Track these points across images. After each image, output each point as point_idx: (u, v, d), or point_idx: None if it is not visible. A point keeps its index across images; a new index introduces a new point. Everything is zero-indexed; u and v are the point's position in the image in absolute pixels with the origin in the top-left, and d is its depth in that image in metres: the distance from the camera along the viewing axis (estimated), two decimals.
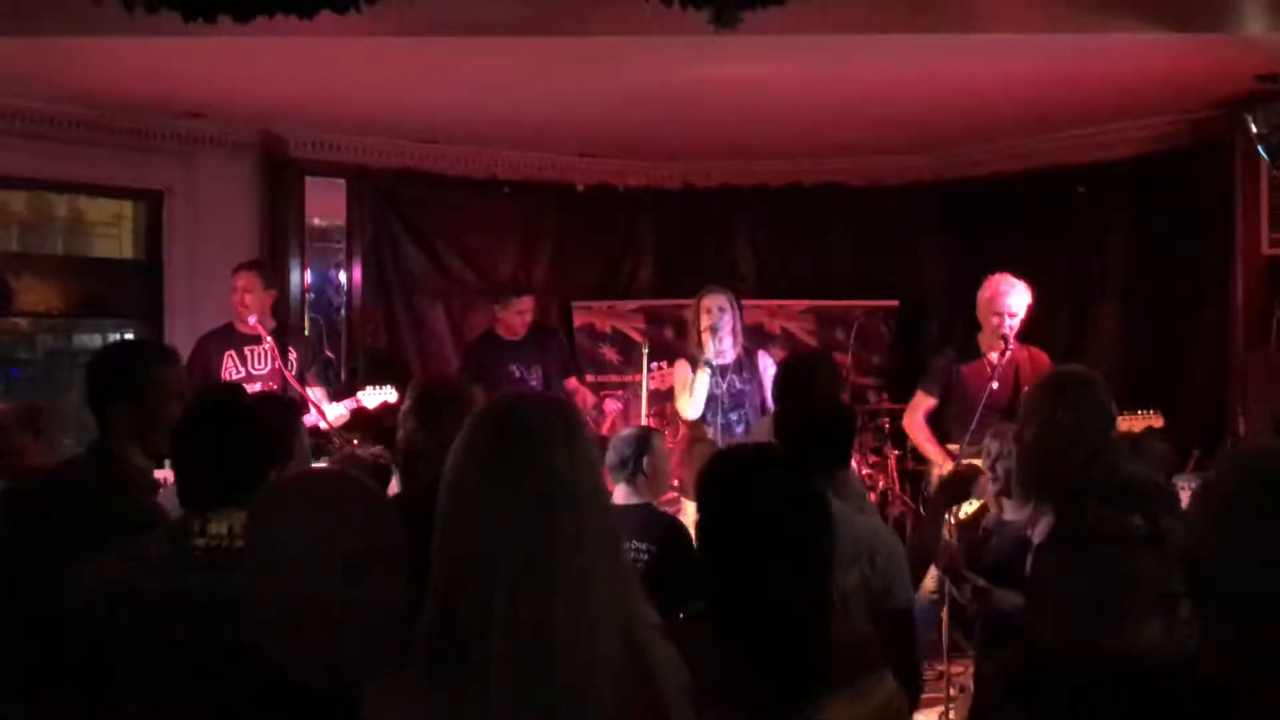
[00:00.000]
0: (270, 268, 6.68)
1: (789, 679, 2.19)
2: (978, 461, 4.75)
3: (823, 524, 2.32)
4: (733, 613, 2.24)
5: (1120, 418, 4.23)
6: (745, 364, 6.00)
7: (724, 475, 2.39)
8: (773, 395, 4.88)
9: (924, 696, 6.00)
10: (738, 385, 5.93)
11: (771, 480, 2.33)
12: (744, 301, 7.05)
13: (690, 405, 5.98)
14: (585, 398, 6.98)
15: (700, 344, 5.96)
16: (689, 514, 4.96)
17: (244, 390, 4.74)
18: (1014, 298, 5.85)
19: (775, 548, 2.23)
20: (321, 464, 5.87)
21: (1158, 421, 5.92)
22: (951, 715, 5.42)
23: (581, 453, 1.91)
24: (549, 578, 1.80)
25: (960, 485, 4.82)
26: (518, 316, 7.01)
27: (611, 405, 6.77)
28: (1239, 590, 1.70)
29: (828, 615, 2.31)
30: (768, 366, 5.94)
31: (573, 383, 7.10)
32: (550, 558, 1.81)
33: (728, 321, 5.95)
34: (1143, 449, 5.51)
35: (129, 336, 7.36)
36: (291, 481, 2.35)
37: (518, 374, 6.92)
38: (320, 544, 1.98)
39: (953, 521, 5.47)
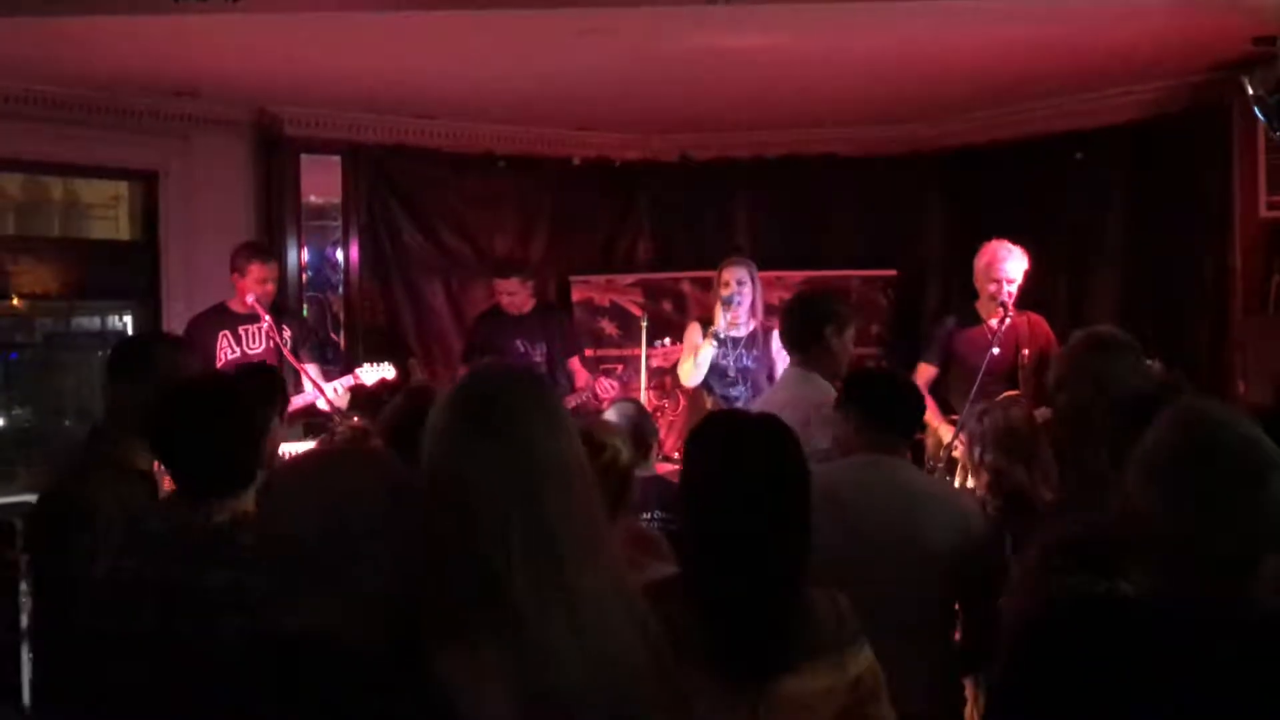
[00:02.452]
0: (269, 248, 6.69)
1: (757, 645, 2.20)
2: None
3: (804, 493, 2.34)
4: (708, 574, 2.25)
5: None
6: (758, 341, 5.94)
7: (713, 436, 2.41)
8: (783, 336, 4.84)
9: None
10: (745, 361, 5.89)
11: (759, 445, 2.34)
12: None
13: (691, 372, 5.96)
14: (586, 378, 6.99)
15: (714, 312, 5.93)
16: None
17: (219, 374, 4.75)
18: (1011, 264, 5.84)
19: (757, 513, 2.25)
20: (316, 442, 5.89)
21: (1155, 365, 5.91)
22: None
23: (559, 421, 1.94)
24: (553, 545, 1.81)
25: None
26: (506, 297, 7.04)
27: (605, 386, 6.73)
28: (1179, 544, 1.89)
29: (803, 584, 2.31)
30: (780, 349, 5.90)
31: (575, 362, 7.11)
32: (552, 527, 1.82)
33: (746, 294, 5.90)
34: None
35: (127, 319, 7.36)
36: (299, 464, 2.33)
37: (521, 349, 6.94)
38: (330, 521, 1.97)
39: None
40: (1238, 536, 1.88)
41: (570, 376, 7.03)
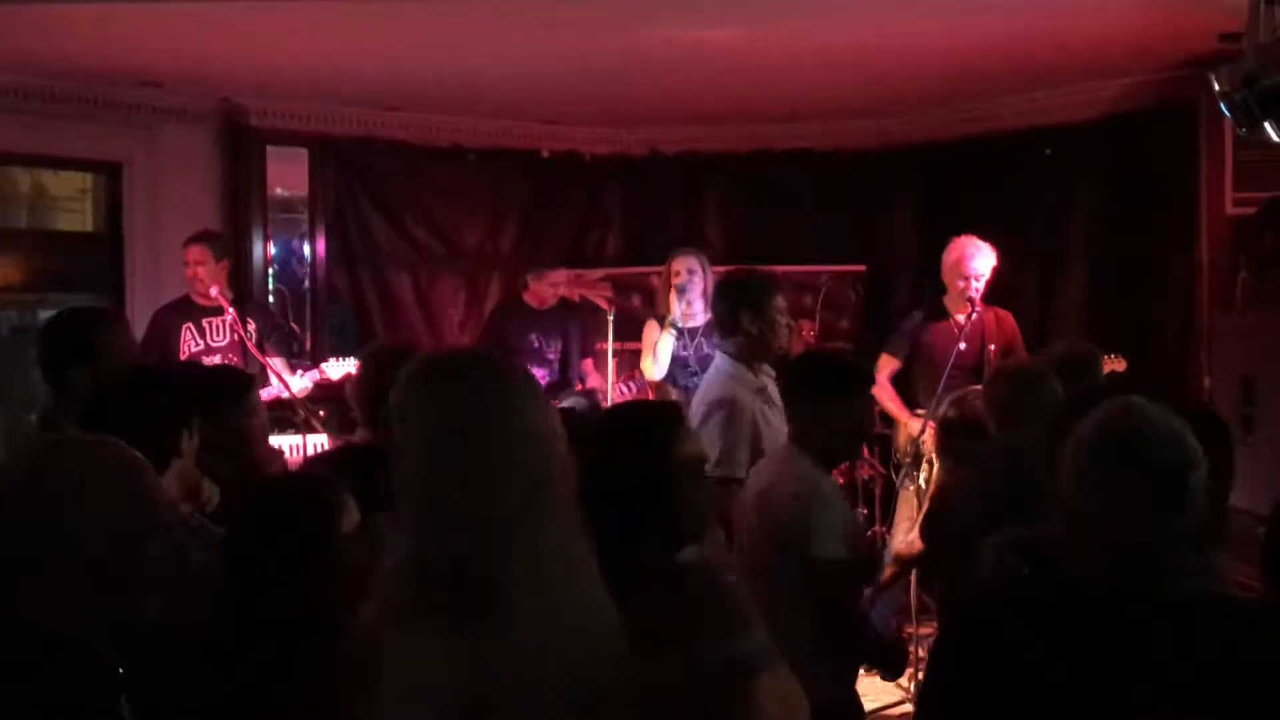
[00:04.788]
0: (221, 238, 6.54)
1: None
2: None
3: (698, 488, 2.38)
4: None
5: None
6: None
7: (616, 428, 2.49)
8: (715, 314, 4.82)
9: None
10: (705, 349, 5.89)
11: (660, 438, 2.38)
12: (711, 268, 6.99)
13: (654, 366, 5.98)
14: (595, 381, 6.98)
15: (668, 305, 5.94)
16: None
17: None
18: (980, 260, 5.87)
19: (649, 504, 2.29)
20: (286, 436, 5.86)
21: (1120, 365, 5.94)
22: (921, 678, 5.44)
23: (545, 401, 1.96)
24: (541, 522, 1.82)
25: None
26: (552, 289, 7.08)
27: (620, 390, 6.69)
28: (1103, 530, 1.99)
29: (689, 571, 2.32)
30: None
31: (589, 364, 7.12)
32: (539, 502, 1.83)
33: (697, 283, 5.93)
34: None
35: None
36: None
37: (536, 344, 6.95)
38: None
39: (921, 486, 5.49)
40: (1157, 531, 1.97)
41: (583, 377, 7.04)
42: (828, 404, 3.54)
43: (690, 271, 5.93)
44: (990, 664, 1.99)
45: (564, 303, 7.28)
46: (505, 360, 2.13)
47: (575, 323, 7.26)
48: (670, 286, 5.94)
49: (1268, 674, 1.89)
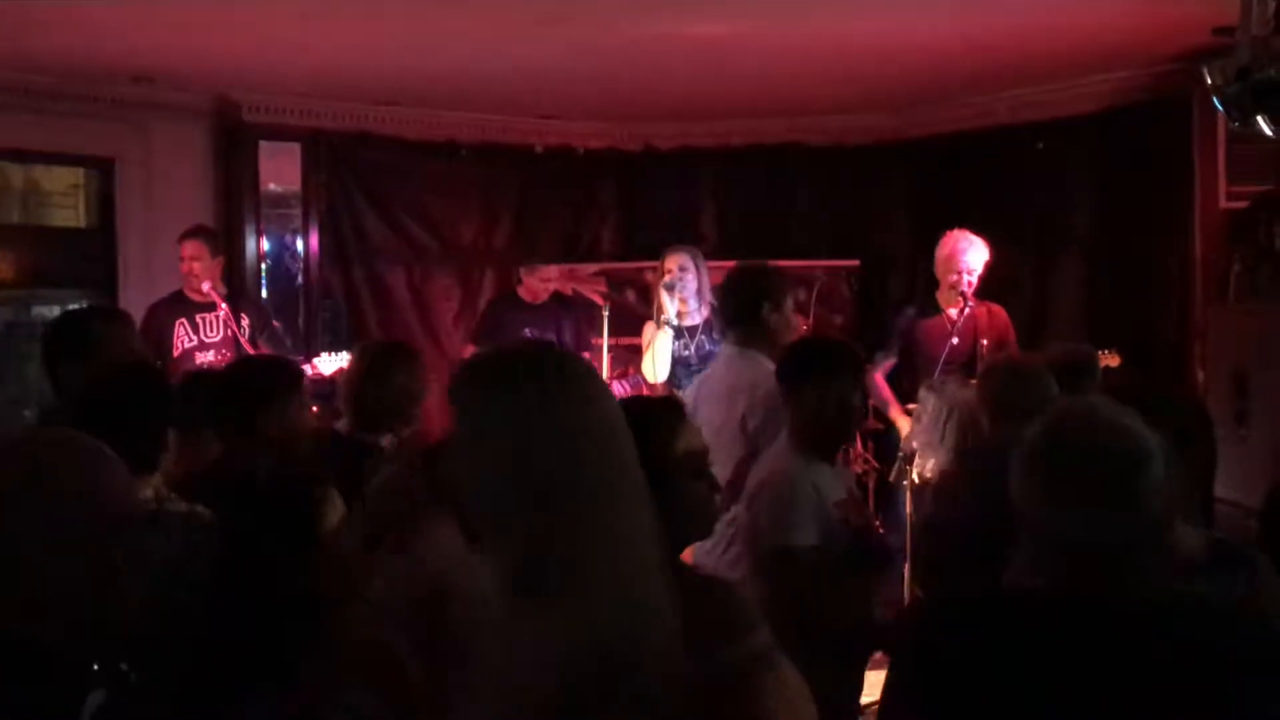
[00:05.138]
0: (216, 234, 6.56)
1: None
2: None
3: (699, 483, 2.40)
4: None
5: None
6: (714, 326, 5.90)
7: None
8: (720, 314, 4.79)
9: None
10: (706, 346, 5.85)
11: (659, 433, 2.37)
12: (705, 263, 6.95)
13: (653, 367, 5.93)
14: None
15: (660, 302, 5.91)
16: None
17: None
18: (972, 255, 5.87)
19: None
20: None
21: (1114, 360, 5.95)
22: None
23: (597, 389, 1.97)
24: (621, 504, 1.83)
25: None
26: (543, 284, 7.15)
27: (616, 389, 6.69)
28: (1054, 533, 1.93)
29: (689, 571, 2.33)
30: None
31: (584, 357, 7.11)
32: (620, 485, 1.84)
33: (690, 281, 5.87)
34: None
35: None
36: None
37: (531, 338, 6.95)
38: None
39: (915, 481, 5.48)
40: (1109, 530, 1.90)
41: None
42: (801, 390, 3.54)
43: (682, 269, 5.89)
44: (933, 685, 1.94)
45: (557, 297, 7.30)
46: (570, 352, 2.13)
47: (569, 317, 7.29)
48: (661, 284, 5.91)
49: (1227, 675, 1.84)
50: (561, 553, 1.79)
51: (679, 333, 5.86)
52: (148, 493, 2.61)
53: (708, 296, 5.92)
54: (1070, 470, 1.92)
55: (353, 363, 4.09)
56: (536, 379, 1.88)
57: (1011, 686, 1.87)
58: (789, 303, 4.51)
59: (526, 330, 6.98)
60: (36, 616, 1.84)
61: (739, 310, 4.51)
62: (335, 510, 2.36)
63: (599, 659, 1.76)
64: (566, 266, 8.30)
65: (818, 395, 3.51)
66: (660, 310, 5.85)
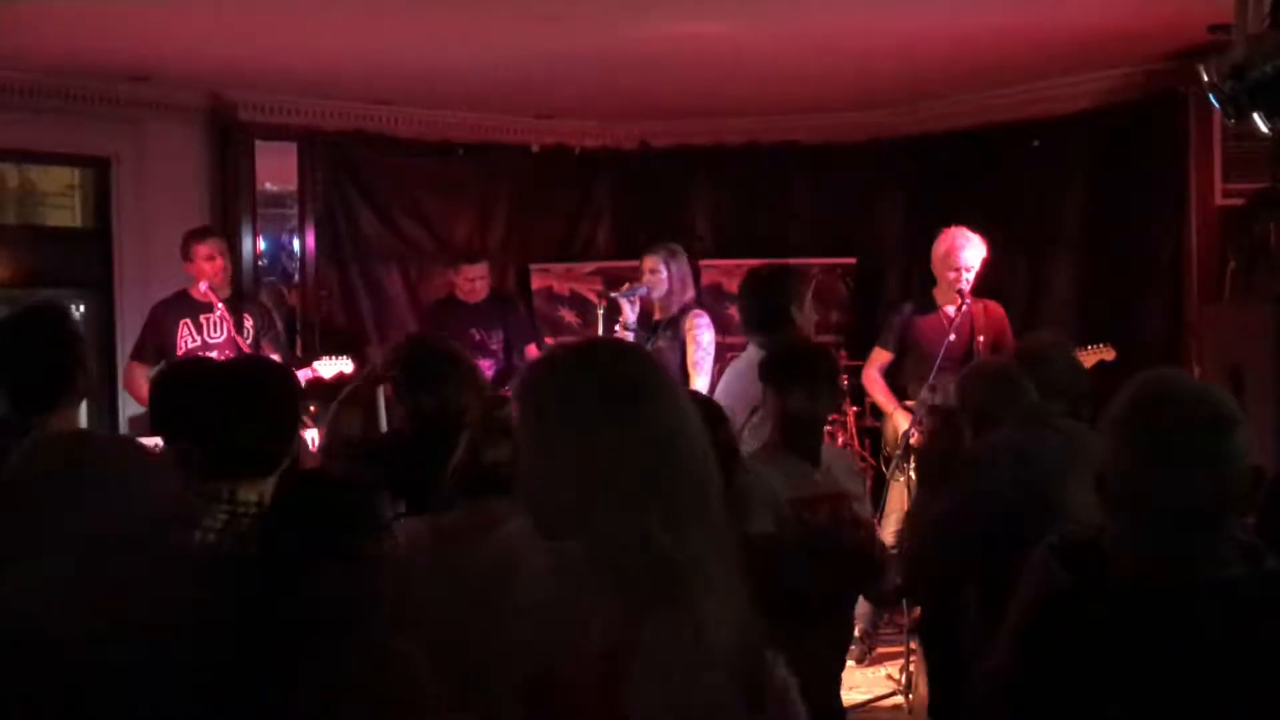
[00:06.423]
0: (223, 233, 6.61)
1: None
2: None
3: None
4: None
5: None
6: (673, 323, 5.83)
7: None
8: (744, 318, 4.80)
9: (884, 651, 6.08)
10: (659, 343, 5.82)
11: None
12: (702, 262, 6.97)
13: None
14: None
15: (624, 313, 5.93)
16: None
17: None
18: (969, 251, 5.88)
19: None
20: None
21: (1109, 354, 5.96)
22: (912, 667, 5.45)
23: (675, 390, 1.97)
24: (710, 499, 1.86)
25: None
26: (468, 283, 7.04)
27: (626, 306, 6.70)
28: (1133, 491, 1.96)
29: None
30: (695, 327, 5.71)
31: (533, 349, 7.08)
32: (706, 479, 1.86)
33: (659, 281, 5.86)
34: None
35: (81, 307, 7.26)
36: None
37: (478, 337, 6.93)
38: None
39: (911, 478, 5.49)
40: (1197, 490, 1.92)
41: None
42: (778, 391, 3.66)
43: (653, 271, 5.89)
44: (1063, 688, 1.97)
45: (495, 294, 7.27)
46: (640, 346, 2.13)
47: (512, 312, 7.29)
48: (619, 294, 5.94)
49: None
50: (659, 550, 1.79)
51: (652, 330, 5.86)
52: (251, 497, 2.59)
53: (681, 292, 5.89)
54: (1167, 432, 1.94)
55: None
56: (618, 375, 1.88)
57: (1108, 677, 1.91)
58: (809, 298, 4.59)
59: (472, 330, 6.92)
60: (76, 613, 1.84)
61: (770, 315, 4.54)
62: (383, 513, 2.36)
63: (692, 654, 1.76)
64: (563, 265, 8.32)
65: (793, 397, 3.62)
66: (622, 316, 5.88)
